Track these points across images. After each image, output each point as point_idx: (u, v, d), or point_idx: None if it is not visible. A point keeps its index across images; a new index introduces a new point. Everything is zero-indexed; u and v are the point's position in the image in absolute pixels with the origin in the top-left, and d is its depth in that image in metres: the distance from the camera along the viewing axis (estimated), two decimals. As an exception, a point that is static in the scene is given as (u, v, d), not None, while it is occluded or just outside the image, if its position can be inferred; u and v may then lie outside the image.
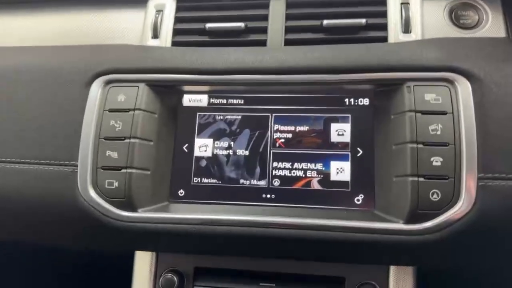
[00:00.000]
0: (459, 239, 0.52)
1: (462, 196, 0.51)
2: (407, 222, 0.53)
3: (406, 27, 0.65)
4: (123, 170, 0.58)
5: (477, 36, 0.63)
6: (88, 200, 0.58)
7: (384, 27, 0.66)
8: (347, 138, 0.60)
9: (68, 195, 0.59)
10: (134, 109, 0.60)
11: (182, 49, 0.65)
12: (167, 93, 0.63)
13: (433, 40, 0.61)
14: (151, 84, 0.62)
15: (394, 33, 0.65)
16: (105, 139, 0.60)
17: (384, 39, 0.65)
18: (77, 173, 0.59)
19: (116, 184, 0.58)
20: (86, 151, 0.59)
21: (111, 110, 0.61)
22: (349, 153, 0.60)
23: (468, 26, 0.66)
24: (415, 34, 0.65)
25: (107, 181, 0.58)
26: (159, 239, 0.59)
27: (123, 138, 0.59)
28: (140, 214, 0.58)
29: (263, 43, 0.67)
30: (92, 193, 0.59)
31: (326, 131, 0.61)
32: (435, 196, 0.52)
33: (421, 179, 0.53)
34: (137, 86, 0.61)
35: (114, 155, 0.59)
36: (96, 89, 0.62)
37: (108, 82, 0.62)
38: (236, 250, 0.61)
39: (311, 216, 0.57)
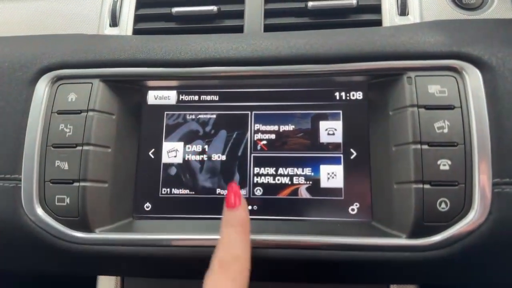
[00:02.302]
0: (472, 255, 0.44)
1: (474, 205, 0.44)
2: (411, 236, 0.45)
3: (403, 9, 0.57)
4: (75, 184, 0.49)
5: (484, 18, 0.56)
6: (34, 219, 0.49)
7: (377, 9, 0.58)
8: (338, 138, 0.52)
9: (10, 214, 0.49)
10: (87, 111, 0.50)
11: (143, 37, 0.55)
12: (127, 90, 0.54)
13: (435, 23, 0.53)
14: (107, 80, 0.52)
15: (390, 16, 0.57)
16: (54, 147, 0.50)
17: (378, 23, 0.57)
18: (21, 188, 0.50)
19: (67, 200, 0.49)
20: (31, 162, 0.50)
21: (60, 112, 0.51)
22: (342, 155, 0.52)
23: (472, 6, 0.58)
24: (413, 17, 0.57)
25: (57, 197, 0.49)
26: (121, 264, 0.51)
27: (74, 145, 0.50)
28: (98, 235, 0.49)
29: (239, 29, 0.58)
30: (40, 211, 0.49)
31: (315, 131, 0.53)
32: (443, 205, 0.45)
33: (426, 186, 0.45)
34: (91, 83, 0.52)
35: (64, 165, 0.49)
36: (42, 88, 0.52)
37: (57, 79, 0.53)
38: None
39: (300, 230, 0.49)
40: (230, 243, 0.42)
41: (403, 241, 0.46)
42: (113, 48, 0.53)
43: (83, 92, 0.51)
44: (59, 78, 0.53)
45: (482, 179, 0.44)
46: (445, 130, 0.46)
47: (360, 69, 0.50)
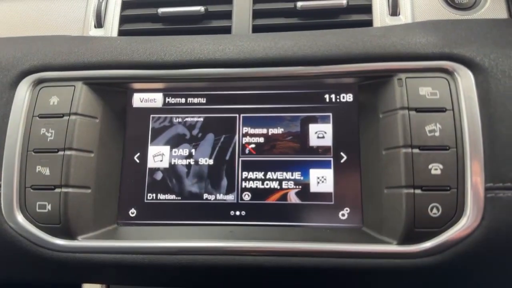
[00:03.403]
0: (464, 262, 0.43)
1: (467, 210, 0.43)
2: (402, 242, 0.44)
3: (394, 9, 0.56)
4: (57, 190, 0.47)
5: (477, 18, 0.55)
6: (14, 226, 0.48)
7: (368, 9, 0.57)
8: (328, 141, 0.51)
9: None
10: (69, 114, 0.49)
11: (128, 39, 0.54)
12: (111, 92, 0.53)
13: (426, 23, 0.51)
14: (90, 82, 0.51)
15: (380, 16, 0.56)
16: (35, 152, 0.49)
17: (369, 24, 0.56)
18: (0, 194, 0.48)
19: (49, 207, 0.47)
20: (11, 167, 0.48)
21: (41, 116, 0.50)
22: (331, 159, 0.51)
23: (464, 6, 0.57)
24: (404, 17, 0.56)
25: (38, 203, 0.48)
26: (106, 272, 0.49)
27: (56, 150, 0.48)
28: (81, 242, 0.48)
29: (227, 30, 0.57)
30: (20, 218, 0.48)
31: (304, 134, 0.52)
32: (434, 211, 0.43)
33: (417, 191, 0.44)
34: (73, 86, 0.50)
35: (46, 171, 0.48)
36: (23, 91, 0.51)
37: (38, 82, 0.51)
38: (201, 283, 0.51)
39: (289, 237, 0.48)
40: None
41: (393, 247, 0.44)
42: (96, 49, 0.52)
43: (66, 95, 0.50)
44: (41, 81, 0.51)
45: (474, 184, 0.43)
46: (437, 134, 0.44)
47: (349, 71, 0.48)
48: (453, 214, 0.43)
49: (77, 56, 0.51)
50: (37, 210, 0.48)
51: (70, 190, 0.48)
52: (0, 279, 0.53)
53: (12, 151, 0.49)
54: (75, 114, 0.49)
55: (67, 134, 0.48)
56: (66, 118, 0.49)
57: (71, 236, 0.48)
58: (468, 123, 0.44)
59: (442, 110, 0.45)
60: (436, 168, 0.44)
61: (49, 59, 0.51)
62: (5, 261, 0.50)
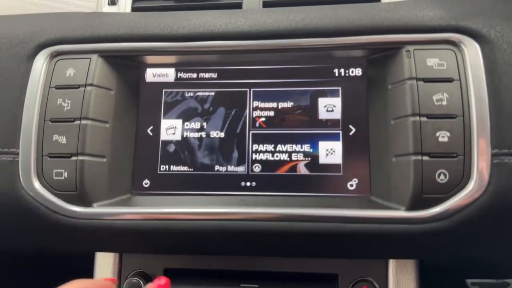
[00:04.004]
0: (471, 226, 0.44)
1: (473, 176, 0.44)
2: (410, 208, 0.45)
3: (402, -14, 0.57)
4: (73, 158, 0.49)
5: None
6: (32, 193, 0.49)
7: (376, -14, 0.57)
8: (337, 114, 0.52)
9: (7, 188, 0.49)
10: (85, 85, 0.50)
11: (142, 14, 0.55)
12: (125, 66, 0.54)
13: (433, -2, 0.52)
14: (105, 55, 0.52)
15: (388, -8, 0.57)
16: (52, 122, 0.50)
17: (377, 0, 0.57)
18: (19, 162, 0.49)
19: (65, 174, 0.49)
20: (28, 136, 0.50)
21: (58, 87, 0.51)
22: (340, 131, 0.52)
23: (470, -16, 0.57)
24: (412, -6, 0.57)
25: (54, 171, 0.49)
26: (120, 239, 0.50)
27: (72, 119, 0.49)
28: (96, 209, 0.49)
29: (238, 6, 0.58)
30: (37, 185, 0.49)
31: (313, 107, 0.53)
32: (442, 177, 0.44)
33: (425, 157, 0.45)
34: (89, 58, 0.52)
35: (63, 140, 0.49)
36: (40, 63, 0.52)
37: (55, 55, 0.53)
38: (212, 248, 0.52)
39: (298, 205, 0.49)
40: None
41: (401, 213, 0.45)
42: (111, 24, 0.53)
43: (82, 67, 0.51)
44: (57, 54, 0.52)
45: (481, 151, 0.44)
46: (444, 103, 0.45)
47: (358, 43, 0.50)
48: (460, 180, 0.44)
49: (92, 29, 0.53)
50: (54, 177, 0.49)
51: (86, 158, 0.49)
52: (18, 246, 0.54)
53: (30, 121, 0.50)
54: (91, 85, 0.50)
55: (83, 104, 0.50)
56: (82, 89, 0.50)
57: (86, 203, 0.49)
58: (475, 92, 0.45)
59: (449, 80, 0.46)
60: (443, 136, 0.45)
61: (65, 32, 0.53)
62: (22, 228, 0.51)
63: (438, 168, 0.44)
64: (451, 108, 0.45)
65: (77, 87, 0.50)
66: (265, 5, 0.58)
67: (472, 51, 0.47)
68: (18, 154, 0.49)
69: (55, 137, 0.49)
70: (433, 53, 0.47)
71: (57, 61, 0.52)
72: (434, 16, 0.49)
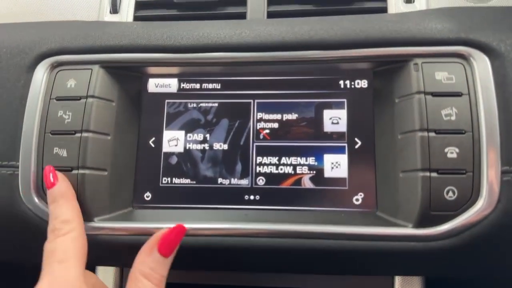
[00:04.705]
0: (480, 245, 0.43)
1: (483, 193, 0.43)
2: (418, 225, 0.44)
3: (408, -4, 0.56)
4: (74, 171, 0.48)
5: (491, 6, 0.55)
6: (31, 207, 0.48)
7: (382, -4, 0.57)
8: (343, 127, 0.51)
9: (7, 201, 0.48)
10: (86, 97, 0.49)
11: (144, 24, 0.54)
12: (127, 77, 0.53)
13: (441, 10, 0.52)
14: (107, 66, 0.51)
15: (395, 3, 0.56)
16: (52, 134, 0.49)
17: (383, 10, 0.56)
18: (18, 175, 0.48)
19: None
20: (28, 149, 0.49)
21: (59, 99, 0.50)
22: (346, 144, 0.51)
23: (478, -6, 0.57)
24: (419, 4, 0.56)
25: None
26: (121, 254, 0.49)
27: (73, 132, 0.49)
28: (97, 223, 0.48)
29: (242, 16, 0.57)
30: (37, 199, 0.48)
31: (318, 119, 0.52)
32: (450, 194, 0.44)
33: (433, 174, 0.44)
34: (90, 69, 0.51)
35: (63, 153, 0.48)
36: (40, 74, 0.51)
37: (56, 65, 0.52)
38: (215, 264, 0.51)
39: (303, 220, 0.48)
40: (57, 214, 0.44)
41: (409, 230, 0.44)
42: (113, 34, 0.52)
43: (83, 78, 0.50)
44: (58, 64, 0.51)
45: (490, 167, 0.43)
46: (453, 117, 0.45)
47: (366, 55, 0.49)
48: (469, 197, 0.43)
49: (94, 39, 0.52)
50: None
51: (87, 171, 0.48)
52: (17, 259, 0.54)
53: (30, 133, 0.49)
54: (92, 96, 0.49)
55: (84, 117, 0.49)
56: (83, 100, 0.49)
57: (87, 217, 0.48)
58: (484, 107, 0.44)
59: (458, 94, 0.45)
60: (452, 152, 0.44)
61: (66, 42, 0.52)
62: (22, 242, 0.50)
63: (446, 184, 0.44)
64: (460, 123, 0.44)
65: (78, 98, 0.49)
66: (270, 15, 0.57)
67: (482, 64, 0.46)
68: (17, 167, 0.49)
69: (56, 150, 0.48)
70: (441, 67, 0.46)
71: (58, 72, 0.51)
72: (443, 28, 0.48)
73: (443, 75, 0.46)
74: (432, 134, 0.44)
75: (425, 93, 0.46)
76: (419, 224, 0.44)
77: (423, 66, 0.47)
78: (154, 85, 0.55)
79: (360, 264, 0.48)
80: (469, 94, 0.45)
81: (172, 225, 0.47)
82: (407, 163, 0.46)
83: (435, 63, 0.47)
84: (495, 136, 0.43)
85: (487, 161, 0.43)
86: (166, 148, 0.53)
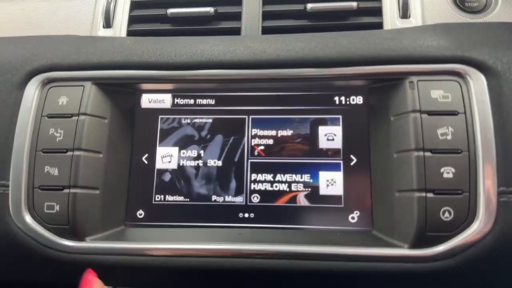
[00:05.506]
0: (476, 266, 0.43)
1: (479, 214, 0.43)
2: (414, 246, 0.44)
3: (404, 12, 0.56)
4: (65, 190, 0.47)
5: (487, 21, 0.54)
6: (22, 227, 0.47)
7: (378, 11, 0.57)
8: (338, 143, 0.51)
9: None
10: (78, 114, 0.49)
11: (137, 39, 0.53)
12: (120, 92, 0.52)
13: (437, 26, 0.51)
14: (99, 82, 0.50)
15: (391, 18, 0.56)
16: (43, 152, 0.48)
17: (379, 26, 0.56)
18: (9, 194, 0.48)
19: (57, 207, 0.47)
20: (19, 167, 0.48)
21: (50, 116, 0.49)
22: (341, 161, 0.50)
23: (474, 9, 0.57)
24: (415, 20, 0.56)
25: (46, 204, 0.47)
26: (114, 273, 0.49)
27: (65, 150, 0.48)
28: (88, 243, 0.47)
29: (236, 31, 0.57)
30: (28, 218, 0.47)
31: (313, 136, 0.51)
32: (446, 214, 0.43)
33: (429, 194, 0.43)
34: (82, 86, 0.50)
35: (54, 171, 0.48)
36: (32, 91, 0.50)
37: (47, 82, 0.51)
38: (209, 285, 0.50)
39: (299, 239, 0.48)
40: None
41: (405, 251, 0.44)
42: (105, 49, 0.51)
43: (75, 95, 0.50)
44: (50, 81, 0.51)
45: (487, 188, 0.43)
46: (449, 137, 0.44)
47: (360, 73, 0.48)
48: (465, 218, 0.43)
49: (86, 56, 0.51)
50: (45, 210, 0.47)
51: (78, 190, 0.47)
52: (8, 279, 0.53)
53: (21, 151, 0.48)
54: (84, 114, 0.49)
55: (76, 135, 0.48)
56: (75, 118, 0.49)
57: (79, 237, 0.47)
58: (481, 126, 0.44)
59: (454, 113, 0.45)
60: (448, 172, 0.44)
61: (58, 58, 0.51)
62: (12, 262, 0.49)
63: (442, 205, 0.43)
64: (456, 142, 0.44)
65: (70, 116, 0.49)
66: (265, 30, 0.57)
67: (478, 83, 0.45)
68: (8, 186, 0.48)
69: (47, 168, 0.48)
70: (437, 85, 0.46)
71: (49, 89, 0.51)
72: (439, 46, 0.47)
73: (439, 93, 0.46)
74: (428, 153, 0.44)
75: (421, 111, 0.45)
76: (415, 244, 0.44)
77: (418, 84, 0.46)
78: (147, 101, 0.54)
79: (355, 284, 0.47)
80: (465, 113, 0.45)
81: (164, 246, 0.46)
82: (403, 183, 0.45)
83: (431, 81, 0.46)
84: (492, 156, 0.43)
85: (484, 181, 0.43)
86: (159, 164, 0.52)
